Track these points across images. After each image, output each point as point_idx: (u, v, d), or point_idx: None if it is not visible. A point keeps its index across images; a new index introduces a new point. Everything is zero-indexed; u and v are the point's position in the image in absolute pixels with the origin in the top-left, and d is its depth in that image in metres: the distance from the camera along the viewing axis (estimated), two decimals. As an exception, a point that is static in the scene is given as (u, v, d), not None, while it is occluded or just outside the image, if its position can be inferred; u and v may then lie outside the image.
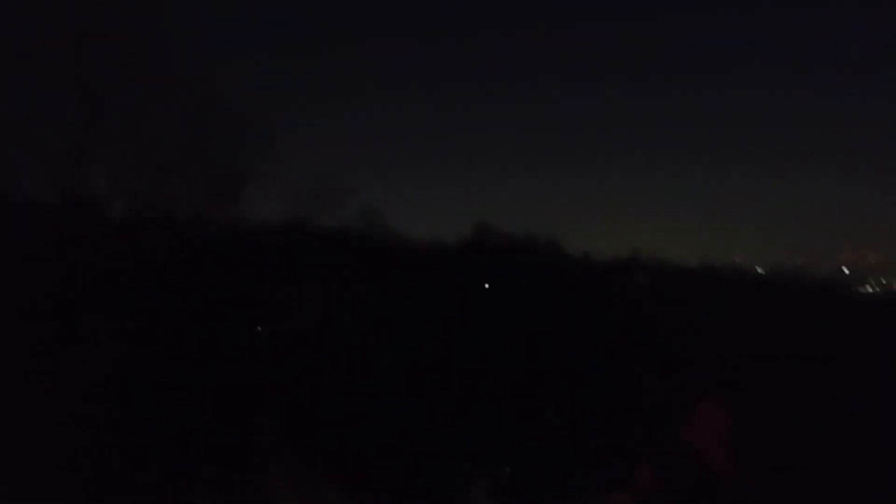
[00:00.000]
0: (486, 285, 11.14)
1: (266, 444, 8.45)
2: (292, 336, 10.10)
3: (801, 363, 7.93)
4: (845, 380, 7.35)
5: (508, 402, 7.84)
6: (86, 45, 10.20)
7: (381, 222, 14.13)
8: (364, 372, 9.54)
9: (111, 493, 7.72)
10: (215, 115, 11.59)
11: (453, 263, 11.81)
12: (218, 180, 11.83)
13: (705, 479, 4.99)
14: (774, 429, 5.67)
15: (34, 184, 10.82)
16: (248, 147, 11.80)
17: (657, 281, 11.83)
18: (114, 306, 9.35)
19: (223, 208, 12.06)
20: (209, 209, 11.83)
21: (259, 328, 10.69)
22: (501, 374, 8.41)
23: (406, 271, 11.95)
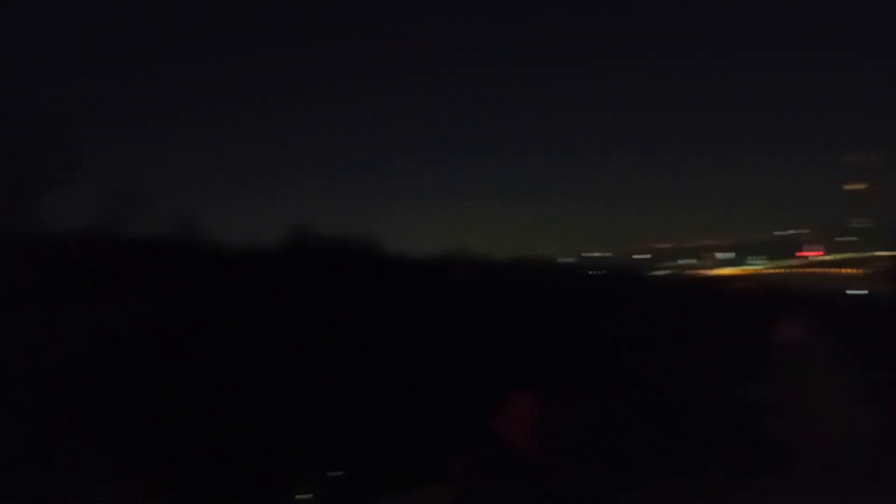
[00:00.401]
0: (305, 287, 10.98)
1: (78, 446, 7.87)
2: (102, 344, 9.47)
3: (604, 346, 8.51)
4: (645, 361, 7.96)
5: (326, 403, 7.77)
6: None
7: (198, 228, 13.55)
8: (179, 377, 9.14)
9: None
10: (11, 119, 10.71)
11: (270, 267, 11.56)
12: (11, 187, 10.94)
13: (519, 468, 5.25)
14: (584, 415, 6.05)
15: None
16: (49, 152, 10.98)
17: (472, 276, 12.26)
18: None
19: (18, 217, 11.15)
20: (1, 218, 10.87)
21: (65, 339, 9.93)
22: (319, 375, 8.34)
23: (221, 277, 11.54)
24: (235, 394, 8.77)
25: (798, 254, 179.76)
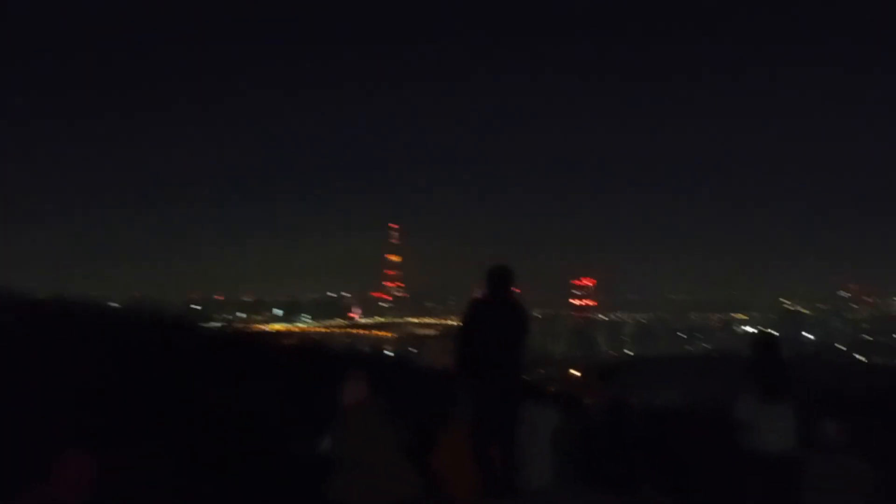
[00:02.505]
0: None
1: None
2: None
3: (153, 398, 7.86)
4: (203, 414, 7.52)
5: None
6: None
7: None
8: None
9: None
10: None
11: None
12: None
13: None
14: (144, 474, 5.41)
15: None
16: None
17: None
18: None
19: None
20: None
21: None
22: None
23: None
24: None
25: (349, 315, 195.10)
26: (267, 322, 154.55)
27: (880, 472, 6.29)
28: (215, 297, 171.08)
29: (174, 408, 6.35)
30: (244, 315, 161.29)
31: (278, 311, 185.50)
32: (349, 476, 5.28)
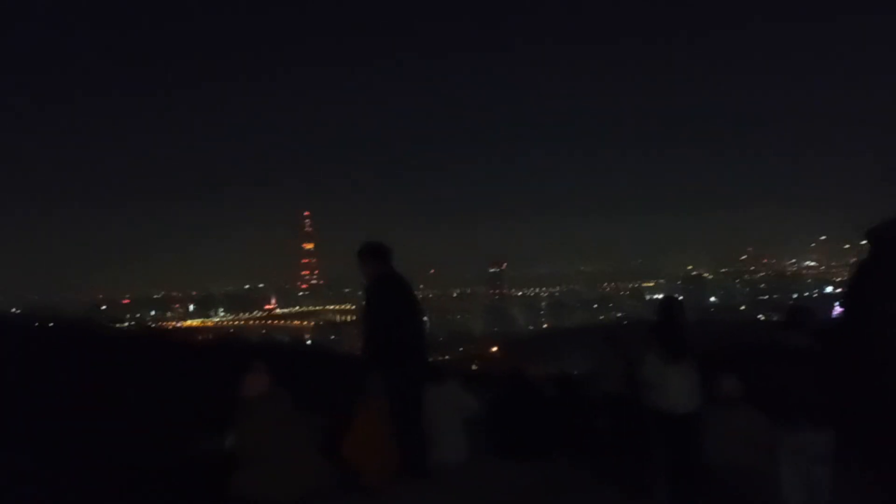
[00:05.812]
0: None
1: None
2: None
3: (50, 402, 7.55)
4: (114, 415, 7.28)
5: None
6: None
7: None
8: None
9: None
10: None
11: None
12: None
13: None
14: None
15: None
16: None
17: None
18: None
19: None
20: None
21: None
22: None
23: None
24: None
25: (266, 306, 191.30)
26: (182, 319, 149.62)
27: (774, 421, 6.63)
28: (123, 301, 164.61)
29: (75, 410, 6.14)
30: (154, 313, 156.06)
31: (192, 307, 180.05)
32: (254, 471, 5.20)
